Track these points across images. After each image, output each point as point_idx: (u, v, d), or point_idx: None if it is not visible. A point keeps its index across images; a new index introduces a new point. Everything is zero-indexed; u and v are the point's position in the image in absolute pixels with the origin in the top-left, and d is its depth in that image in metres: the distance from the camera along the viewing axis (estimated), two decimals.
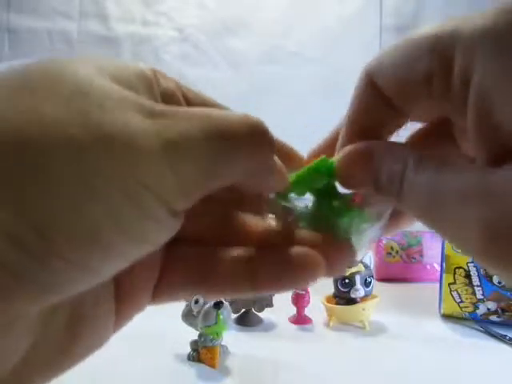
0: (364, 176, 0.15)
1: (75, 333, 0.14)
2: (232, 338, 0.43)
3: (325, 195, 0.16)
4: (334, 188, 0.16)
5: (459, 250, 0.50)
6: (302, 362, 0.41)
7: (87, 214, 0.10)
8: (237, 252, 0.16)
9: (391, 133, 0.18)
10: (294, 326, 0.50)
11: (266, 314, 0.51)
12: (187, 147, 0.12)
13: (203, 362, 0.40)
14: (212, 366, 0.39)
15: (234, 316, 0.48)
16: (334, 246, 0.16)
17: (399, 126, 0.18)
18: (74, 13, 1.12)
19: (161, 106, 0.12)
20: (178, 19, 1.14)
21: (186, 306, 0.40)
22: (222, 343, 0.41)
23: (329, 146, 0.19)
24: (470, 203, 0.12)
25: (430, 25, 0.15)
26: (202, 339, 0.40)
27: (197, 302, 0.39)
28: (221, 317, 0.38)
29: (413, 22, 1.12)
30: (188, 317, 0.40)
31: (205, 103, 0.16)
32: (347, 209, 0.16)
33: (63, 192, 0.10)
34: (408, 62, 0.15)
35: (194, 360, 0.41)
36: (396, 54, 0.15)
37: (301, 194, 0.17)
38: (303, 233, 0.16)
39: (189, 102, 0.16)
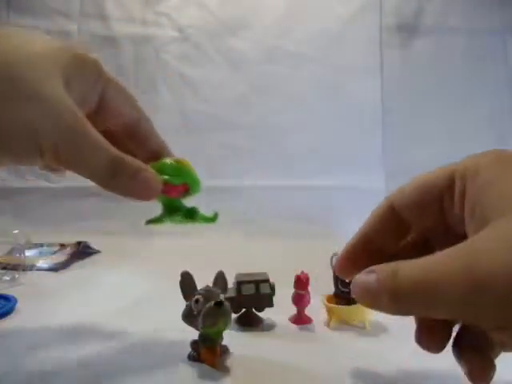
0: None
1: None
2: (232, 338, 0.43)
3: None
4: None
5: None
6: (302, 362, 0.41)
7: None
8: None
9: (392, 244, 0.29)
10: (294, 326, 0.50)
11: (266, 314, 0.51)
12: None
13: (203, 362, 0.40)
14: (212, 365, 0.39)
15: (234, 316, 0.47)
16: None
17: (402, 237, 0.29)
18: (74, 13, 1.12)
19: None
20: (178, 19, 1.14)
21: (186, 306, 0.40)
22: (223, 343, 0.41)
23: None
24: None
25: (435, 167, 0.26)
26: (202, 339, 0.40)
27: (197, 301, 0.39)
28: (221, 318, 0.38)
29: (413, 21, 1.12)
30: (188, 317, 0.40)
31: None
32: None
33: None
34: (425, 188, 0.26)
35: (194, 360, 0.41)
36: (415, 185, 0.26)
37: None
38: None
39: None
